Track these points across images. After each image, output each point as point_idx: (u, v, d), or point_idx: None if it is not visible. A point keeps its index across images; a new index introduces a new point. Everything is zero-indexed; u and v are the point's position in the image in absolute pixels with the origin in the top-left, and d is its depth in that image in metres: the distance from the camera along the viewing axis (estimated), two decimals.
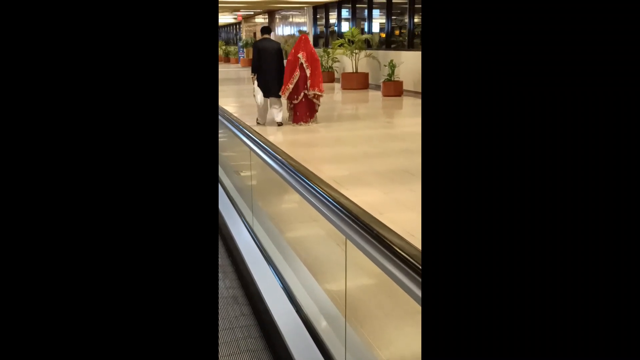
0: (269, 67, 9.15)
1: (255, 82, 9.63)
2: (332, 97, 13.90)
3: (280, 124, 9.24)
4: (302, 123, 9.40)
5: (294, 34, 20.03)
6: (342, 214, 1.64)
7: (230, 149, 6.08)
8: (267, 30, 10.03)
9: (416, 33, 13.89)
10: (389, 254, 1.32)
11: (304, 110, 9.38)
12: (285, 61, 9.43)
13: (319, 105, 9.59)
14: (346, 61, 15.48)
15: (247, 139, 3.57)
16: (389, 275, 1.32)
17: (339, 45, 14.95)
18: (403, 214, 4.27)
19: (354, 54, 14.76)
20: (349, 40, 14.78)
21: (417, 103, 12.12)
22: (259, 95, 9.49)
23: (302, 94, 9.25)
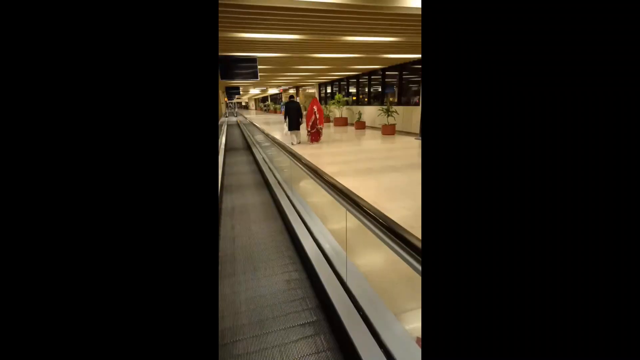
0: (293, 115, 13.30)
1: (285, 123, 13.84)
2: (328, 130, 18.02)
3: (295, 143, 13.27)
4: (314, 142, 13.43)
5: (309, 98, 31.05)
6: (339, 192, 2.50)
7: (277, 157, 7.26)
8: (292, 96, 13.76)
9: (371, 96, 19.64)
10: (363, 212, 2.10)
11: (315, 136, 13.59)
12: (304, 112, 13.14)
13: (322, 134, 13.82)
14: (336, 111, 21.85)
15: (286, 152, 4.91)
16: (363, 224, 2.14)
17: (332, 103, 21.52)
18: (369, 191, 6.10)
19: (340, 108, 20.90)
20: (337, 100, 20.86)
21: (374, 133, 15.91)
22: (286, 129, 13.57)
23: (314, 127, 13.42)
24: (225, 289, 3.06)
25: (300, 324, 2.56)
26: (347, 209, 2.27)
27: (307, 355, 2.22)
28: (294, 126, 12.89)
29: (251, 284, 3.13)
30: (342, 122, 21.56)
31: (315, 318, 2.61)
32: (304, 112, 14.95)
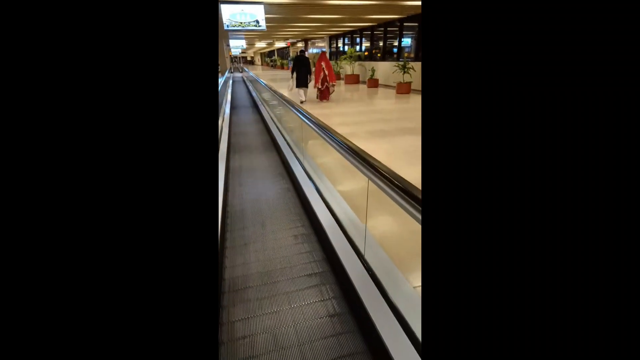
0: (301, 71, 12.59)
1: (292, 79, 13.02)
2: (339, 88, 17.37)
3: (303, 102, 12.55)
4: (324, 100, 12.84)
5: (318, 52, 29.48)
6: (357, 157, 2.33)
7: (287, 116, 6.95)
8: (302, 51, 13.00)
9: (387, 50, 18.66)
10: (375, 173, 1.99)
11: (324, 93, 12.95)
12: (313, 68, 13.24)
13: (333, 91, 13.12)
14: (347, 68, 21.11)
15: (297, 110, 4.62)
16: (372, 182, 2.02)
17: (343, 59, 20.59)
18: (381, 152, 5.93)
19: (352, 64, 20.16)
20: (349, 55, 20.05)
21: (387, 91, 15.38)
22: (292, 85, 12.85)
23: (324, 85, 12.74)
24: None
25: (307, 274, 2.78)
26: (369, 177, 2.17)
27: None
28: (302, 83, 12.38)
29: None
30: (353, 79, 20.61)
31: (321, 269, 2.83)
32: (313, 69, 13.66)
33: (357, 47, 22.95)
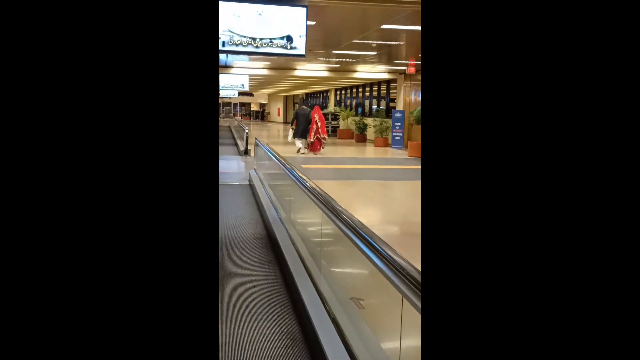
0: (301, 122, 13.38)
1: (291, 129, 14.19)
2: (333, 144, 17.36)
3: (300, 151, 13.08)
4: (316, 153, 13.37)
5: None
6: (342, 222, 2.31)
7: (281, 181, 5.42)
8: (304, 100, 14.82)
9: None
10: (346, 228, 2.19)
11: (315, 145, 13.39)
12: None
13: (324, 144, 14.01)
14: (340, 121, 22.20)
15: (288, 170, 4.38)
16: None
17: (341, 111, 21.51)
18: (364, 210, 6.17)
19: (345, 119, 21.54)
20: (341, 110, 21.92)
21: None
22: (290, 135, 13.97)
23: (315, 137, 13.35)
24: None
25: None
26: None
27: None
28: (301, 133, 13.37)
29: None
30: (347, 134, 20.73)
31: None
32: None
33: (354, 102, 23.40)
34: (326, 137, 14.13)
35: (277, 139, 18.75)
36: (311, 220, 3.69)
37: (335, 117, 22.31)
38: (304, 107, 14.30)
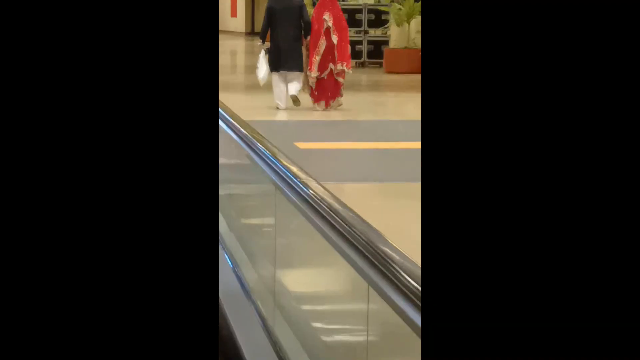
0: (282, 30, 6.53)
1: (262, 52, 6.66)
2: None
3: (283, 107, 6.63)
4: (317, 106, 6.65)
5: None
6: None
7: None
8: None
9: None
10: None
11: (325, 88, 6.62)
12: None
13: (340, 87, 6.69)
14: (393, 29, 11.19)
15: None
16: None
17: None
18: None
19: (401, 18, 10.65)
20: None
21: None
22: (263, 69, 6.57)
23: (328, 68, 6.48)
24: None
25: None
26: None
27: None
28: (285, 60, 6.57)
29: None
30: (405, 62, 10.18)
31: None
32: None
33: None
34: (350, 68, 6.78)
35: (231, 78, 9.75)
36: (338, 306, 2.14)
37: (377, 17, 11.28)
38: None
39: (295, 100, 6.44)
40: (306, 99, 6.62)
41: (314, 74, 6.48)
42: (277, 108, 6.60)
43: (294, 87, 6.48)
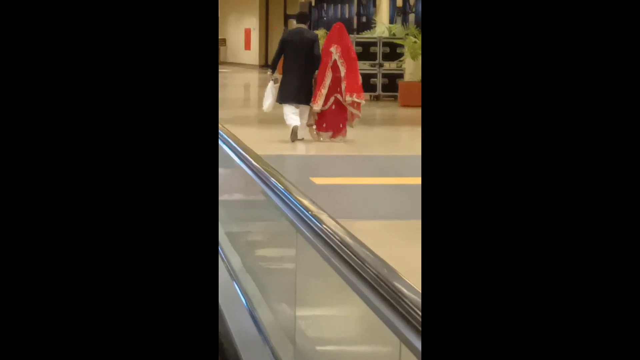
0: (294, 62, 6.54)
1: (270, 83, 6.74)
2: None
3: (295, 135, 6.54)
4: (321, 136, 6.57)
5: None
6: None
7: None
8: (299, 15, 7.10)
9: None
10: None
11: (336, 119, 6.59)
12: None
13: (358, 116, 6.64)
14: (409, 62, 10.92)
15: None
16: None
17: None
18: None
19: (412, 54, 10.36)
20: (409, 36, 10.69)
21: None
22: (269, 99, 6.68)
23: (332, 99, 6.49)
24: None
25: None
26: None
27: None
28: (296, 92, 6.57)
29: None
30: (420, 95, 9.63)
31: None
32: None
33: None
34: (362, 99, 6.70)
35: (244, 111, 10.05)
36: None
37: (392, 51, 11.18)
38: (301, 26, 7.01)
39: (295, 134, 6.42)
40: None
41: (316, 107, 6.49)
42: (294, 138, 6.63)
43: (300, 121, 6.52)
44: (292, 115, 6.40)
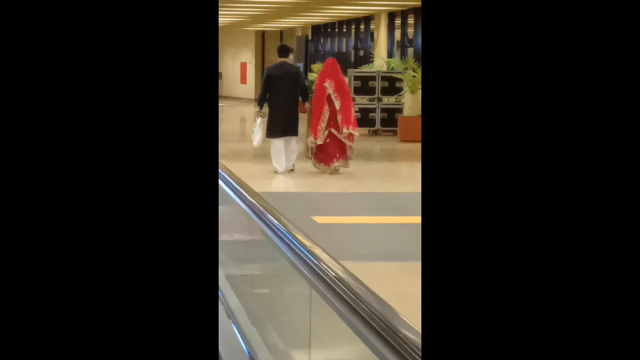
0: (280, 97, 6.66)
1: (259, 119, 6.89)
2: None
3: (281, 171, 6.71)
4: (317, 167, 6.76)
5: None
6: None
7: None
8: (282, 48, 7.17)
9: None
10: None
11: (329, 152, 6.73)
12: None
13: (351, 150, 6.78)
14: (407, 97, 10.80)
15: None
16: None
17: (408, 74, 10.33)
18: None
19: (411, 88, 10.12)
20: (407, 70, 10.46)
21: None
22: (258, 135, 6.82)
23: (327, 131, 6.65)
24: None
25: None
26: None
27: None
28: (281, 126, 6.69)
29: None
30: (419, 129, 9.26)
31: None
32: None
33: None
34: (357, 131, 6.98)
35: (240, 145, 10.01)
36: None
37: (391, 85, 11.08)
38: (285, 60, 7.12)
39: (292, 169, 6.89)
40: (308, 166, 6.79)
41: (319, 141, 6.61)
42: (275, 172, 6.73)
43: (291, 157, 6.76)
44: (278, 156, 6.63)
